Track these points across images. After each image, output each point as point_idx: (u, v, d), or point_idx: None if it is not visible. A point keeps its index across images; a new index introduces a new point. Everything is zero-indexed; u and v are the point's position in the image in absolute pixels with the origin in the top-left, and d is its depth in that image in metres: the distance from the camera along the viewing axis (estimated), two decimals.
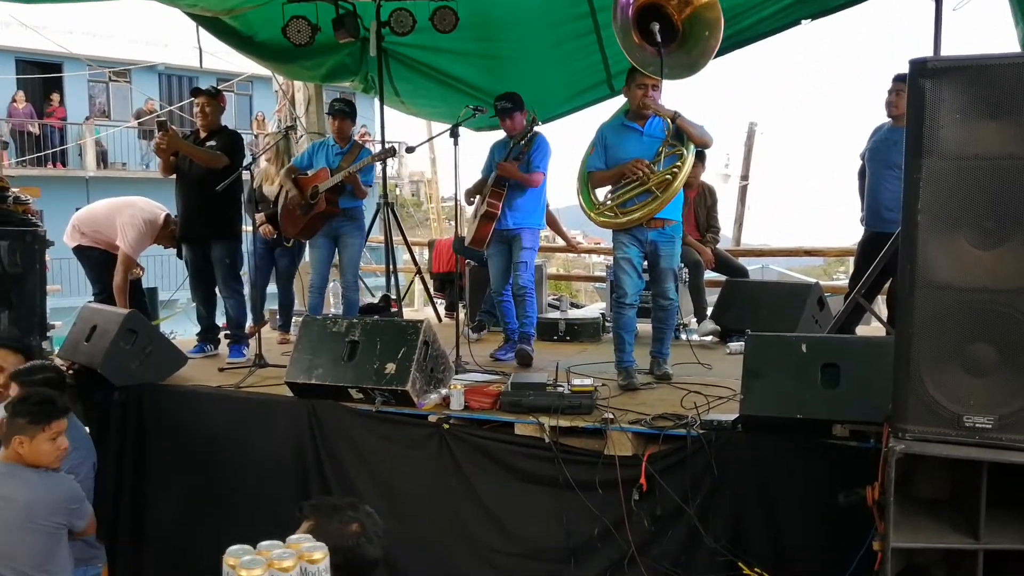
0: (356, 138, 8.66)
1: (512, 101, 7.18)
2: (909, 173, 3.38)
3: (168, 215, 7.82)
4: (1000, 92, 3.23)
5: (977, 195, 3.28)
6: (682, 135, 5.98)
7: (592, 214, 6.17)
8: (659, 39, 5.73)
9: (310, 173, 7.68)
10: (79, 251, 7.84)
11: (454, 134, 6.77)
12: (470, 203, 7.50)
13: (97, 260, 7.79)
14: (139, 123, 25.40)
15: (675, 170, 5.90)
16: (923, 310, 3.38)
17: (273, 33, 8.31)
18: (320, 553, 2.82)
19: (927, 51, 5.30)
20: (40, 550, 4.31)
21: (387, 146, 8.24)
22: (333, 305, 8.49)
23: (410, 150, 9.67)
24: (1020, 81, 3.21)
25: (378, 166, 8.32)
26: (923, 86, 3.32)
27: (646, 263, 6.20)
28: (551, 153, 7.24)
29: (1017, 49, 6.30)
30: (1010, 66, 3.24)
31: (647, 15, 5.85)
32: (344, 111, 7.82)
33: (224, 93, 8.01)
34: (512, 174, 7.01)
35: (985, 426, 3.32)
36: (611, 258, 6.50)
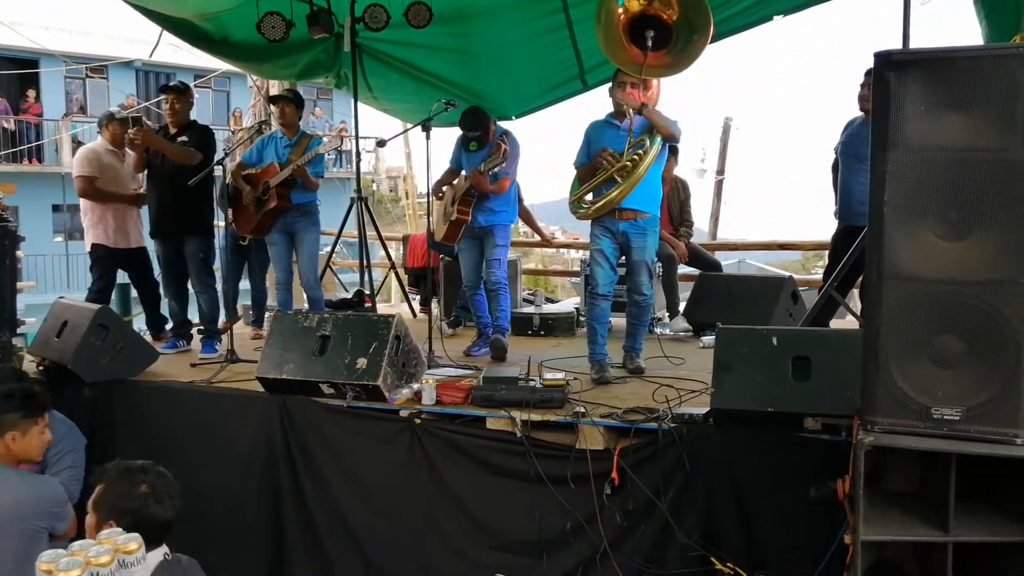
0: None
1: (480, 126, 7.18)
2: (875, 165, 3.38)
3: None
4: (963, 84, 3.23)
5: (942, 187, 3.28)
6: (652, 128, 6.04)
7: (571, 206, 6.28)
8: (650, 44, 5.72)
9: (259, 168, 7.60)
10: (93, 252, 7.86)
11: (426, 128, 6.74)
12: (439, 197, 7.48)
13: (103, 257, 7.82)
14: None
15: (635, 158, 5.99)
16: (890, 302, 3.37)
17: (247, 33, 8.25)
18: (135, 543, 2.94)
19: (899, 45, 5.30)
20: (17, 554, 4.23)
21: (335, 135, 8.21)
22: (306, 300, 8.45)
23: (382, 144, 9.59)
24: (982, 73, 3.21)
25: (350, 159, 8.27)
26: (888, 78, 3.31)
27: (623, 257, 6.23)
28: (520, 154, 7.25)
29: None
30: (973, 59, 3.24)
31: (639, 22, 5.83)
32: (286, 97, 7.78)
33: (193, 89, 7.96)
34: (483, 186, 7.02)
35: (953, 418, 3.32)
36: (588, 253, 6.53)
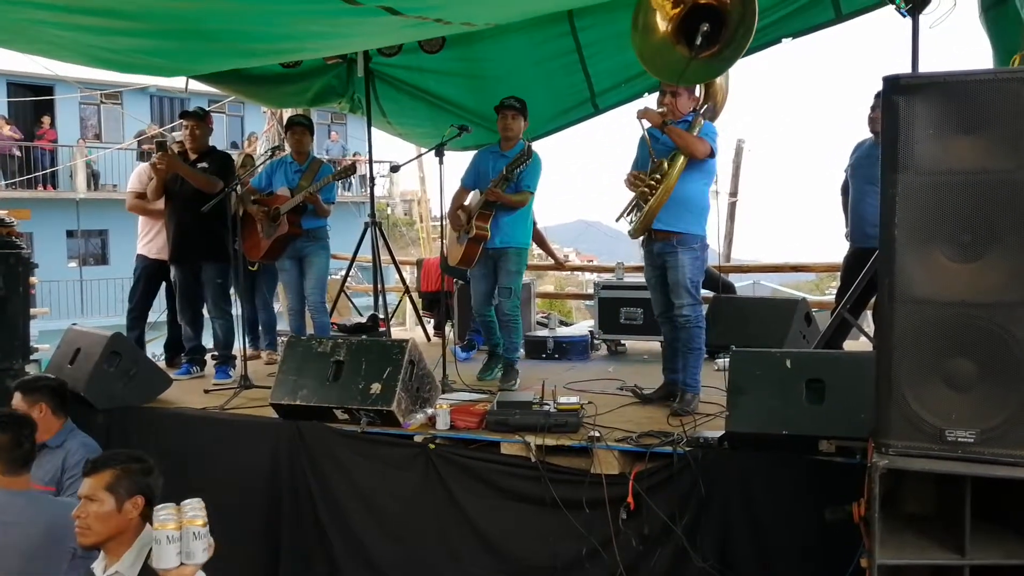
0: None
1: (521, 103, 7.09)
2: (885, 188, 3.39)
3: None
4: (972, 108, 3.25)
5: (953, 209, 3.29)
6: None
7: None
8: (699, 41, 5.32)
9: (274, 193, 7.61)
10: (137, 263, 8.20)
11: (439, 153, 6.74)
12: (456, 228, 7.34)
13: (147, 271, 8.07)
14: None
15: (652, 183, 5.79)
16: (902, 325, 3.38)
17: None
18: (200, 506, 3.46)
19: (909, 66, 5.31)
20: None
21: (350, 164, 8.21)
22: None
23: (395, 169, 9.65)
24: (991, 97, 3.23)
25: (365, 183, 8.29)
26: (897, 102, 3.34)
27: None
28: (541, 171, 7.16)
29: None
30: (981, 82, 3.27)
31: (695, 15, 5.41)
32: (302, 123, 7.80)
33: (212, 115, 7.98)
34: (501, 199, 6.84)
35: (967, 440, 3.31)
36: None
